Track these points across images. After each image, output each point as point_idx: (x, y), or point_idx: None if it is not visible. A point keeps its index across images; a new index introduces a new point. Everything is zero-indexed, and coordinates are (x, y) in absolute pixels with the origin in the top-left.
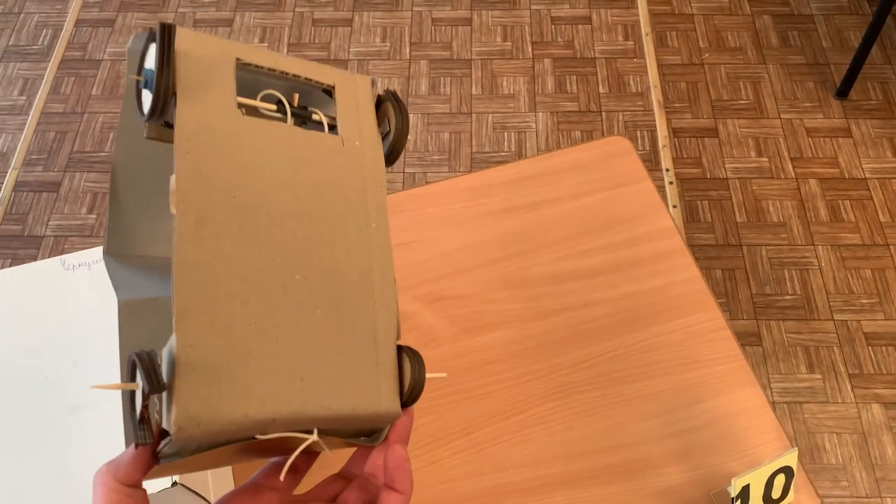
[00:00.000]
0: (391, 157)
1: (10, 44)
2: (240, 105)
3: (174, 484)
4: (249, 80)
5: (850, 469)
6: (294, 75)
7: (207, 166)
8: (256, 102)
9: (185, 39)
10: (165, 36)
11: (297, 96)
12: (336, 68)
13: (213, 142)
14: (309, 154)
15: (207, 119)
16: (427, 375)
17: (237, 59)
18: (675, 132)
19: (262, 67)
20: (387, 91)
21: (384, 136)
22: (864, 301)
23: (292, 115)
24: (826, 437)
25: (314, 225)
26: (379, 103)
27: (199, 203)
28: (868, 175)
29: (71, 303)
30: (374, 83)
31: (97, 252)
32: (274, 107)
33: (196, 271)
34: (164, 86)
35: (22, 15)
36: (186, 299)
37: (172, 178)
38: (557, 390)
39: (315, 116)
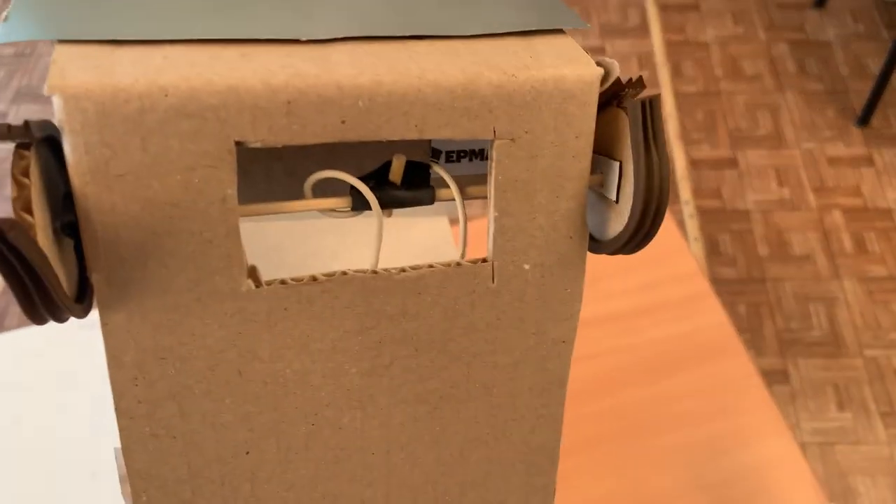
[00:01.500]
0: (621, 246)
1: (21, 85)
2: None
3: None
4: None
5: None
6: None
7: (182, 418)
8: (307, 205)
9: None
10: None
11: (401, 164)
12: (519, 68)
13: (187, 376)
14: (405, 330)
15: (176, 333)
16: None
17: (237, 145)
18: (693, 163)
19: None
20: (626, 92)
21: (602, 192)
22: (894, 336)
23: (384, 203)
24: (859, 479)
25: (408, 451)
26: (605, 102)
27: (176, 485)
28: (893, 205)
29: (89, 364)
30: (608, 76)
31: None
32: (344, 204)
33: None
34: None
35: (34, 56)
36: None
37: (118, 452)
38: (582, 443)
39: (445, 193)
